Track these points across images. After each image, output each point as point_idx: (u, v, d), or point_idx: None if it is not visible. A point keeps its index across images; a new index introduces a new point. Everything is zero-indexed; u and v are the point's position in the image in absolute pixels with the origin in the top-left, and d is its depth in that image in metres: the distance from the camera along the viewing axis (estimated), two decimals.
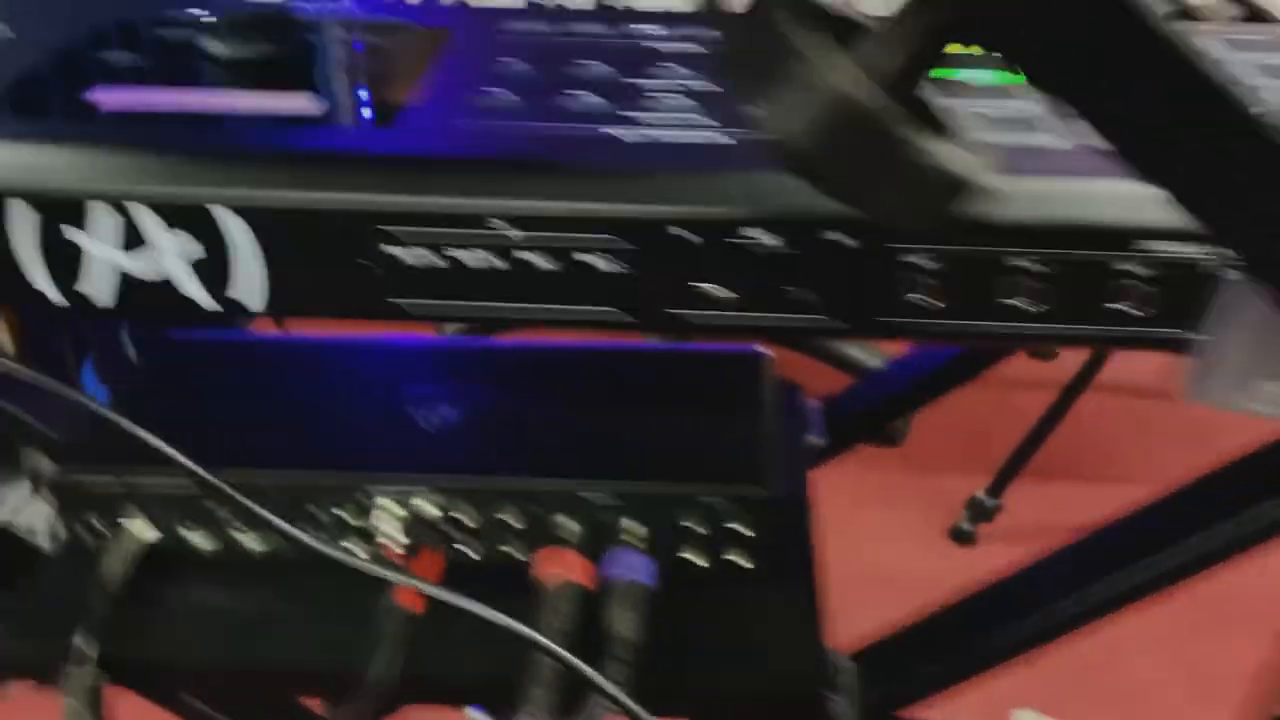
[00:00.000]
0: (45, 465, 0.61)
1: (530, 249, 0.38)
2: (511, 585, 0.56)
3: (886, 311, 0.38)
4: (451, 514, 0.58)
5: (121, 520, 0.60)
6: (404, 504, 0.58)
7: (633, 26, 0.50)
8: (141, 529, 0.60)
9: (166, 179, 0.38)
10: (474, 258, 0.38)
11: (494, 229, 0.38)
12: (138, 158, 0.38)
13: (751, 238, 0.37)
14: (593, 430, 0.59)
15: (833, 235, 0.37)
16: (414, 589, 0.53)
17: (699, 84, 0.45)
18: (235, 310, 0.40)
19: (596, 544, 0.56)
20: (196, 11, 0.50)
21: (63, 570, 0.61)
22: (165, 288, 0.40)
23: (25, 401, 0.64)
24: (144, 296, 0.40)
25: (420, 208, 0.38)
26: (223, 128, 0.40)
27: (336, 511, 0.58)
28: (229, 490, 0.46)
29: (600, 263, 0.38)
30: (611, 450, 0.57)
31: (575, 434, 0.58)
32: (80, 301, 0.40)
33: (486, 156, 0.38)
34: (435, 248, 0.38)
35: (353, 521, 0.58)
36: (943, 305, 0.38)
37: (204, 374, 0.65)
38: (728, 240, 0.37)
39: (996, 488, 1.62)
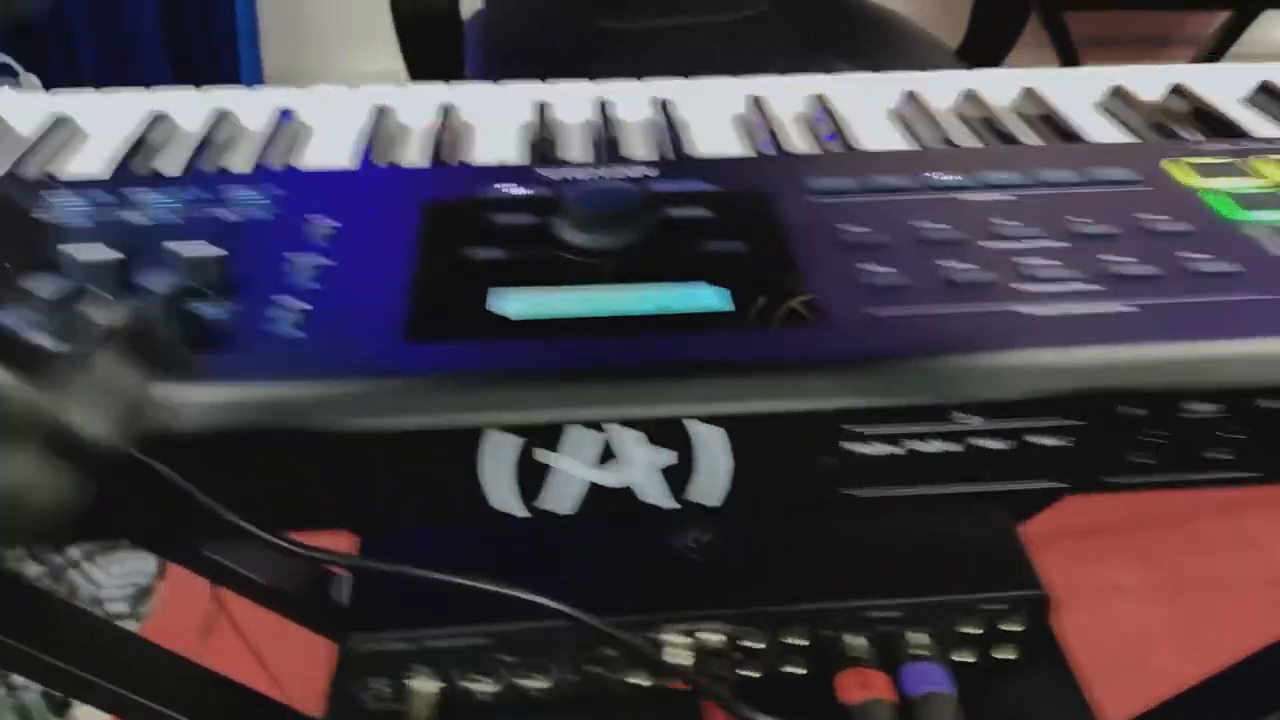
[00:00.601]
0: None
1: (986, 435, 0.41)
2: (806, 704, 0.58)
3: None
4: (740, 641, 0.60)
5: (408, 679, 0.60)
6: (693, 636, 0.60)
7: (927, 175, 0.53)
8: (429, 685, 0.60)
9: (648, 399, 0.39)
10: (930, 446, 0.41)
11: (955, 420, 0.40)
12: (615, 381, 0.39)
13: (1191, 409, 0.41)
14: (858, 544, 0.61)
15: (1265, 403, 0.40)
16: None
17: (1044, 241, 0.48)
18: (692, 510, 0.42)
19: (885, 657, 0.59)
20: (521, 191, 0.51)
21: None
22: (626, 493, 0.41)
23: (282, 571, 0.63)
24: (603, 502, 0.41)
25: (887, 406, 0.40)
26: (658, 333, 0.41)
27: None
28: (614, 632, 0.47)
29: (1049, 440, 0.41)
30: (888, 565, 0.60)
31: (846, 550, 0.61)
32: (539, 514, 0.41)
33: (935, 350, 0.41)
34: (895, 441, 0.40)
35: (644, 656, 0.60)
36: None
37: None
38: (1171, 412, 0.41)
39: None
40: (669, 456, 0.40)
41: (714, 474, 0.41)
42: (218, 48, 1.83)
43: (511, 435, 0.40)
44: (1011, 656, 0.61)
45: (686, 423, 0.40)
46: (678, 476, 0.41)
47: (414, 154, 0.62)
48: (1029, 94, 0.68)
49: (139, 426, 0.27)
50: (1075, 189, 0.52)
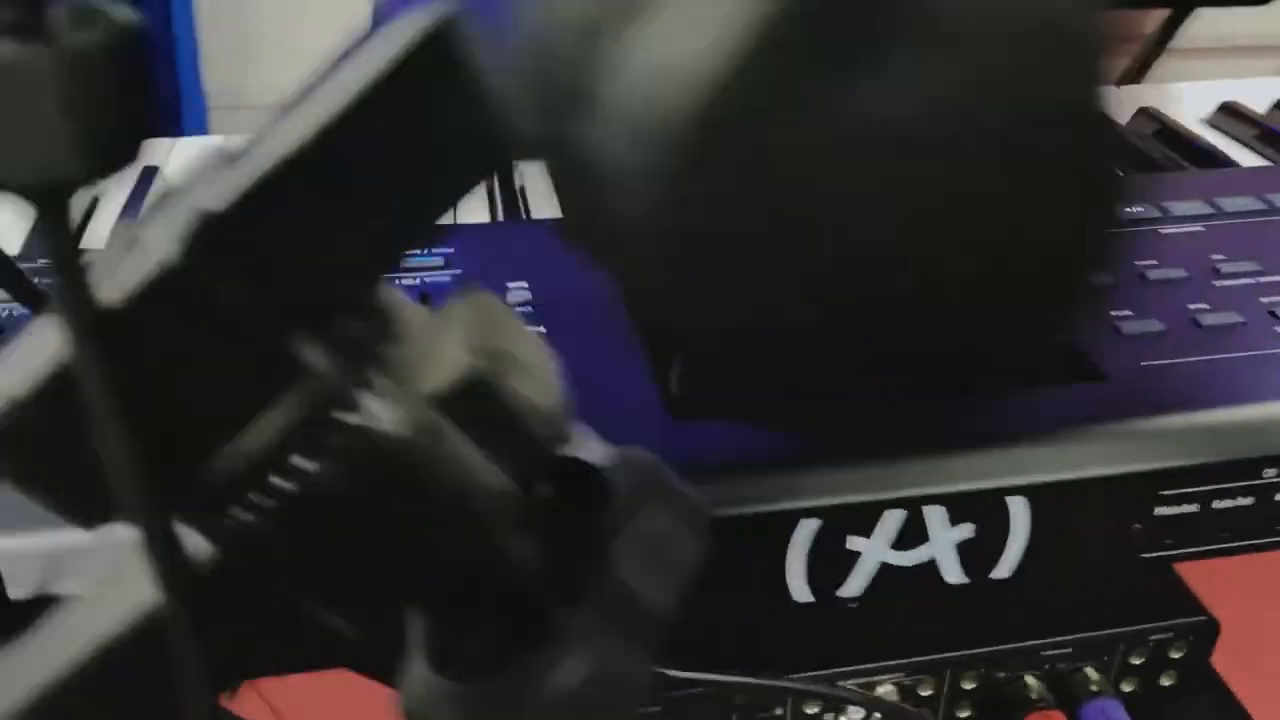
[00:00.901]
0: None
1: None
2: None
3: None
4: (918, 691, 0.58)
5: None
6: (870, 690, 0.57)
7: None
8: None
9: (958, 475, 0.37)
10: (1230, 504, 0.39)
11: (1264, 477, 0.39)
12: (919, 455, 0.37)
13: None
14: (1020, 581, 0.59)
15: None
16: None
17: (1268, 276, 0.46)
18: (983, 585, 0.40)
19: (1060, 696, 0.58)
20: None
21: None
22: (919, 571, 0.39)
23: None
24: (895, 582, 0.39)
25: (1199, 467, 0.38)
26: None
27: (806, 710, 0.57)
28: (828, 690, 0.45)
29: None
30: (1054, 600, 0.58)
31: (1009, 589, 0.59)
32: (830, 599, 0.39)
33: (1235, 402, 0.39)
34: (1204, 502, 0.39)
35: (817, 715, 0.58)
36: None
37: None
38: None
39: None
40: (968, 531, 0.38)
41: (1013, 545, 0.39)
42: (157, 68, 1.74)
43: (812, 520, 0.37)
44: (1173, 683, 0.61)
45: (989, 494, 0.37)
46: (973, 550, 0.39)
47: (545, 201, 0.58)
48: (1144, 113, 0.67)
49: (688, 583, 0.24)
50: (1265, 218, 0.51)
